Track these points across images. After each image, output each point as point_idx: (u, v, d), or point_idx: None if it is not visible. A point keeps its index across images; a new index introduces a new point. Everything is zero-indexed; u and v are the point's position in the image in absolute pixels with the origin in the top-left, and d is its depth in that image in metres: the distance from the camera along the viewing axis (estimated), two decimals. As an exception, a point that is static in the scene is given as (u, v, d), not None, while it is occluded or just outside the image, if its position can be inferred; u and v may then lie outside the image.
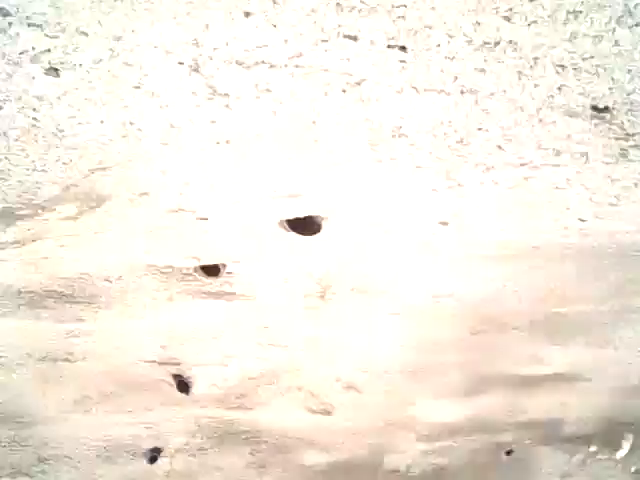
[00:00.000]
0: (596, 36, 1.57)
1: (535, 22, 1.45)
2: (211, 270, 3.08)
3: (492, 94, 1.70)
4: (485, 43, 1.48)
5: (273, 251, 2.81)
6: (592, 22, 1.51)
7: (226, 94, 1.62)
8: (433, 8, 1.33)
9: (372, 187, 2.33)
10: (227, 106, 1.70)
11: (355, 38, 1.35)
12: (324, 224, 2.61)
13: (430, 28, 1.35)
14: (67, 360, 3.80)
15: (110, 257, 2.78)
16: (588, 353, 4.00)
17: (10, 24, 1.40)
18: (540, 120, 1.88)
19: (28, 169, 2.05)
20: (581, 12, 1.45)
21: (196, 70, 1.54)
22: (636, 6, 1.42)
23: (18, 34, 1.43)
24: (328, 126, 1.82)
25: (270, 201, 2.36)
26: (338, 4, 1.25)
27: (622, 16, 1.47)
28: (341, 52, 1.40)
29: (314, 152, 2.03)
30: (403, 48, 1.42)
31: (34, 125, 1.86)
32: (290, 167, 2.13)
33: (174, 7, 1.34)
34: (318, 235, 2.68)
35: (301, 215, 2.54)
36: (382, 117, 1.80)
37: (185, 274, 3.03)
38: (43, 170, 2.10)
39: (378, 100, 1.70)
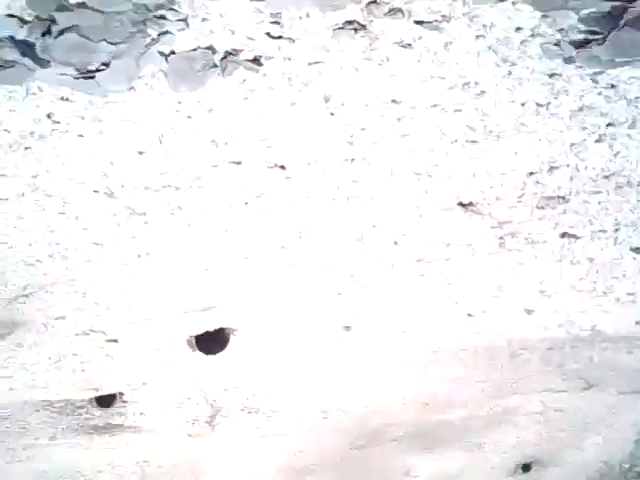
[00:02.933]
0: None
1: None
2: (106, 400, 3.03)
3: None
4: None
5: (175, 373, 2.84)
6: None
7: (143, 212, 1.74)
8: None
9: (282, 294, 2.49)
10: (146, 222, 1.82)
11: (239, 163, 1.62)
12: (232, 338, 2.71)
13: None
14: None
15: (7, 394, 2.66)
16: (458, 458, 4.25)
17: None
18: (421, 215, 2.13)
19: None
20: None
21: (111, 196, 1.68)
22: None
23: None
24: (238, 235, 1.99)
25: (183, 316, 2.44)
26: (213, 141, 1.53)
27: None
28: (230, 175, 1.65)
29: (228, 261, 2.18)
30: (282, 167, 1.69)
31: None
32: (205, 278, 2.25)
33: (79, 151, 1.50)
34: (223, 352, 2.77)
35: (211, 328, 2.63)
36: (286, 224, 2.00)
37: (78, 407, 2.94)
38: None
39: (279, 208, 1.90)
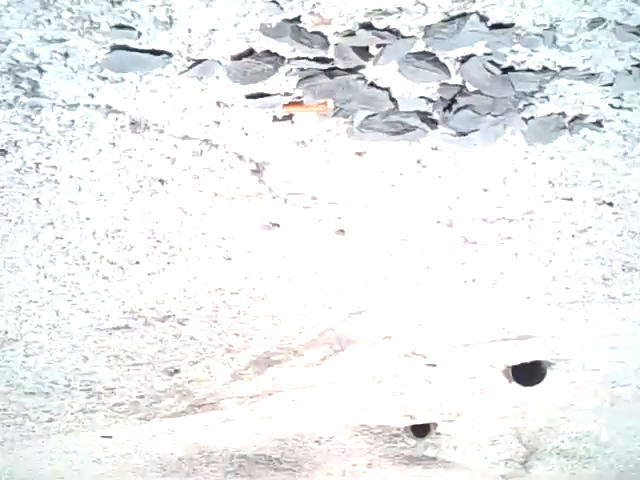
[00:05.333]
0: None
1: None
2: (420, 430, 3.22)
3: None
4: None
5: (489, 405, 2.92)
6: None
7: (475, 241, 1.92)
8: None
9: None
10: (476, 251, 1.97)
11: (570, 199, 1.77)
12: (549, 371, 2.73)
13: None
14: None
15: (329, 414, 2.90)
16: None
17: None
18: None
19: (290, 315, 2.30)
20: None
21: (450, 226, 1.92)
22: None
23: None
24: (561, 265, 2.05)
25: (500, 344, 2.52)
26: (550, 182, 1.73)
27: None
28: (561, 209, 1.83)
29: (548, 292, 2.23)
30: (610, 204, 1.80)
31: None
32: (526, 306, 2.32)
33: (434, 188, 1.76)
34: (539, 386, 2.79)
35: (528, 359, 2.68)
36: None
37: (393, 435, 3.14)
38: (310, 315, 2.22)
39: (604, 242, 1.96)
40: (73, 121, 1.41)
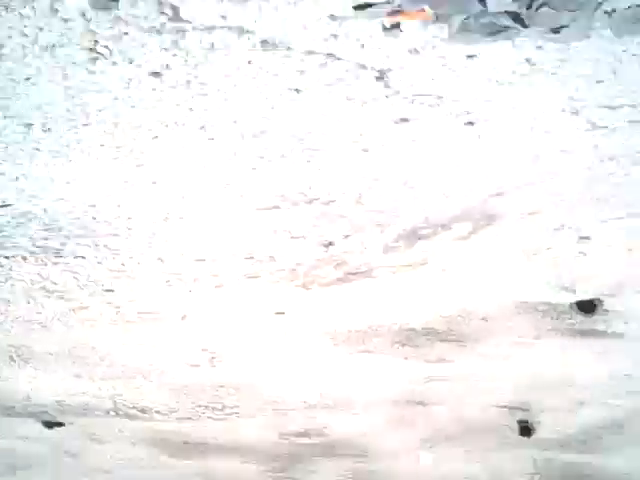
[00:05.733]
0: None
1: None
2: (587, 306, 3.22)
3: None
4: None
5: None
6: None
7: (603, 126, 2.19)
8: None
9: None
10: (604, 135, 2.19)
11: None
12: None
13: None
14: (421, 403, 4.29)
15: (492, 289, 3.08)
16: None
17: None
18: None
19: (431, 196, 2.55)
20: None
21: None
22: None
23: None
24: None
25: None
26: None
27: None
28: None
29: None
30: None
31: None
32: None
33: (547, 85, 1.99)
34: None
35: None
36: None
37: (560, 312, 3.25)
38: (450, 195, 2.47)
39: None
40: (212, 43, 1.74)
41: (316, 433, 4.40)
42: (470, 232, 2.70)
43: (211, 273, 2.93)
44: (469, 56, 1.79)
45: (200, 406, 4.11)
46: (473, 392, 3.92)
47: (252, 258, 2.80)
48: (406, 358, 3.62)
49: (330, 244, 2.73)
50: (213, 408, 4.13)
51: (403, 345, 3.49)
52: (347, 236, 2.68)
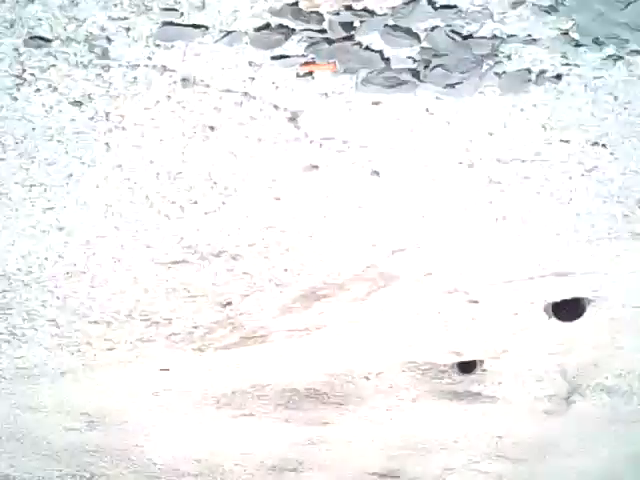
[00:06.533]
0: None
1: None
2: (467, 366, 3.25)
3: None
4: None
5: (533, 342, 3.17)
6: None
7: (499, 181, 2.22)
8: None
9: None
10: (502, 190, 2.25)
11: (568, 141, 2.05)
12: (589, 308, 2.96)
13: None
14: (295, 470, 4.15)
15: (377, 350, 3.04)
16: None
17: None
18: None
19: (335, 252, 2.45)
20: None
21: (471, 167, 2.17)
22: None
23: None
24: (580, 204, 2.30)
25: (539, 280, 2.78)
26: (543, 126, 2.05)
27: None
28: (561, 151, 2.12)
29: (575, 229, 2.37)
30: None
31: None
32: (557, 243, 2.58)
33: (444, 133, 2.05)
34: (579, 322, 3.02)
35: (567, 296, 2.75)
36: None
37: (440, 371, 3.24)
38: (354, 252, 2.45)
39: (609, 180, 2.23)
40: (135, 77, 1.77)
41: (184, 501, 4.19)
42: (368, 293, 2.68)
43: (104, 337, 2.75)
44: (374, 103, 1.90)
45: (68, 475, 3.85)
46: (349, 457, 3.85)
47: (148, 320, 2.67)
48: (287, 421, 3.51)
49: (228, 304, 2.64)
50: (81, 477, 3.88)
51: (286, 408, 3.39)
52: (246, 295, 2.59)
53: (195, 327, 2.73)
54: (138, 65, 1.73)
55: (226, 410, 3.34)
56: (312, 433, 3.64)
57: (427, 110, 1.92)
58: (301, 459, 3.89)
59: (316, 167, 2.09)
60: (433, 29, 1.67)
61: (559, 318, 2.92)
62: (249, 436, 3.62)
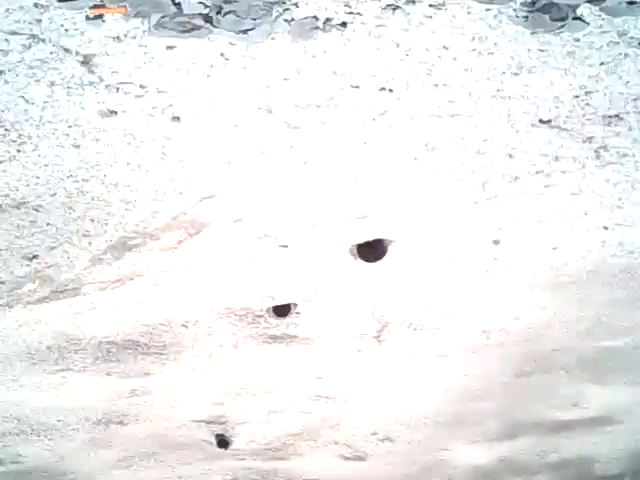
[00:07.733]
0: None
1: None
2: (282, 310, 3.36)
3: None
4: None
5: (342, 283, 3.29)
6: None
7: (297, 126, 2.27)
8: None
9: (429, 206, 2.84)
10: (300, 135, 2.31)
11: (357, 87, 2.14)
12: (390, 249, 3.11)
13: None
14: (120, 423, 4.11)
15: (194, 298, 3.11)
16: (625, 393, 4.48)
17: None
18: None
19: (142, 200, 2.59)
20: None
21: (270, 112, 2.24)
22: None
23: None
24: (376, 147, 2.36)
25: (344, 223, 2.89)
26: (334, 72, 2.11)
27: None
28: (351, 97, 2.18)
29: (374, 171, 2.48)
30: (391, 90, 2.18)
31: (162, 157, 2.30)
32: (357, 187, 2.58)
33: (243, 77, 2.06)
34: (383, 261, 3.17)
35: (370, 238, 2.89)
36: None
37: (257, 316, 3.34)
38: (162, 200, 2.47)
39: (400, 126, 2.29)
40: None
41: (10, 461, 4.09)
42: (179, 241, 2.69)
43: None
44: (169, 47, 1.92)
45: None
46: (174, 406, 3.87)
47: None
48: (108, 374, 3.48)
49: (34, 257, 2.58)
50: None
51: (105, 361, 3.37)
52: (53, 248, 2.54)
53: (1, 282, 2.63)
54: None
55: (42, 365, 3.26)
56: (135, 385, 3.63)
57: (222, 55, 1.95)
58: (126, 411, 3.88)
59: (114, 112, 2.08)
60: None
61: (364, 259, 3.01)
62: (70, 391, 3.57)
